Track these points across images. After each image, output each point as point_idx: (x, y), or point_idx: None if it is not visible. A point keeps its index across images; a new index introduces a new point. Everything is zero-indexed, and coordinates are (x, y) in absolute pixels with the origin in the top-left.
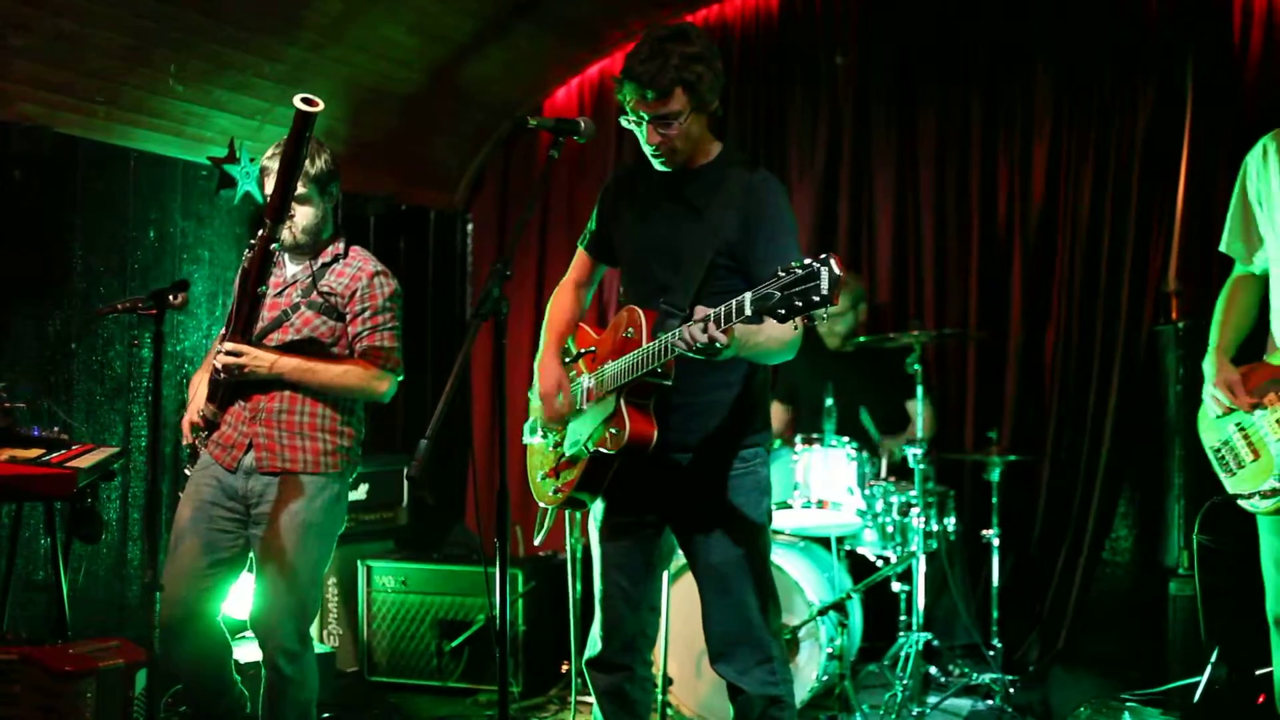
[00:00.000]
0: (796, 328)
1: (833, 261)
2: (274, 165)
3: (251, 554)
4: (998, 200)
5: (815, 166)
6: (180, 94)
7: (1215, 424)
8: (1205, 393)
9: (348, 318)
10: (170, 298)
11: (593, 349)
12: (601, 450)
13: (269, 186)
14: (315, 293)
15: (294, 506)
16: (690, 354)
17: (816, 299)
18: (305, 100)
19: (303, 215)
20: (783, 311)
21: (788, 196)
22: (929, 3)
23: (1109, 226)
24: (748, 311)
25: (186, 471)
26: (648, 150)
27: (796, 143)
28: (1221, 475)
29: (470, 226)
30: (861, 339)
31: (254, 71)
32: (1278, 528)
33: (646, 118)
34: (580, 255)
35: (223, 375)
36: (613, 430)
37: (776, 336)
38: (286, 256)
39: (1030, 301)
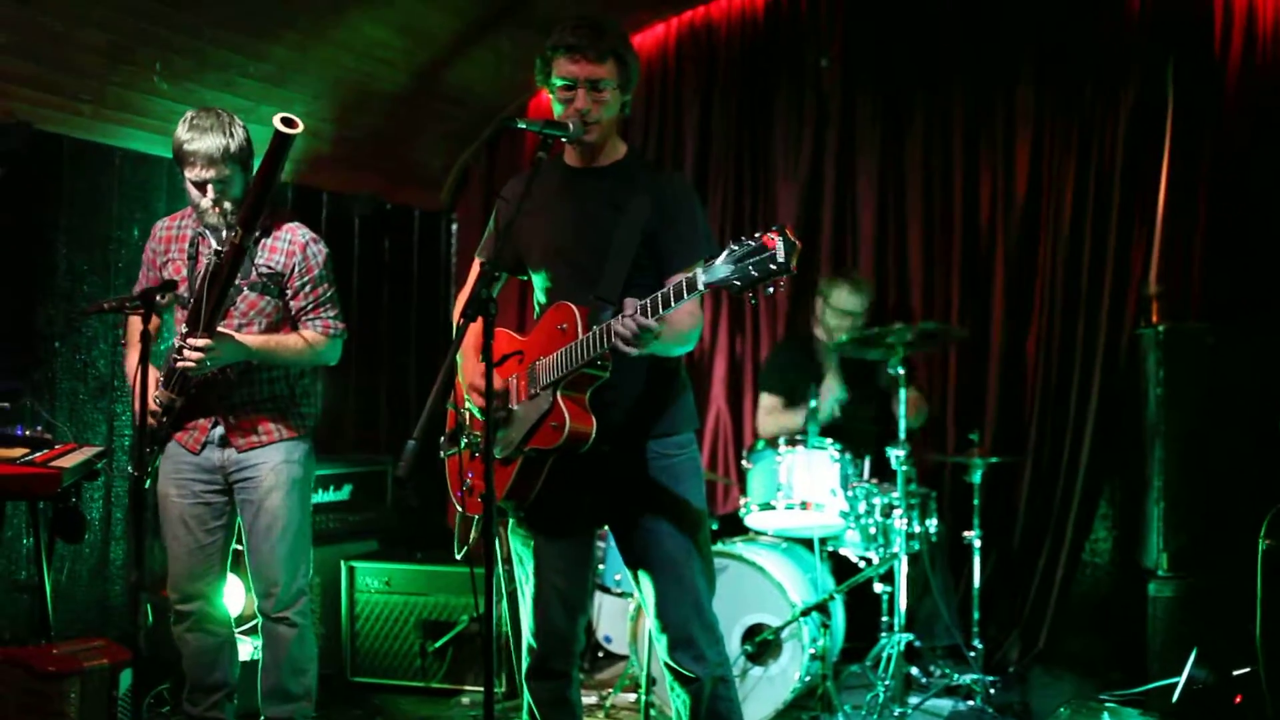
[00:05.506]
0: (753, 300)
1: (786, 230)
2: (197, 147)
3: (239, 520)
4: (980, 203)
5: (799, 168)
6: (165, 92)
7: None
8: None
9: (289, 294)
10: (158, 298)
11: (519, 351)
12: (538, 449)
13: (192, 173)
14: (255, 273)
15: (274, 464)
16: (624, 346)
17: (774, 267)
18: (285, 120)
19: (230, 199)
20: (738, 283)
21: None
22: (914, 6)
23: (1091, 230)
24: (700, 288)
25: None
26: (573, 121)
27: (781, 144)
28: None
29: (455, 226)
30: (844, 337)
31: (239, 71)
32: None
33: (580, 79)
34: (478, 266)
35: (181, 366)
36: (553, 424)
37: (680, 330)
38: (211, 237)
39: (1012, 304)
